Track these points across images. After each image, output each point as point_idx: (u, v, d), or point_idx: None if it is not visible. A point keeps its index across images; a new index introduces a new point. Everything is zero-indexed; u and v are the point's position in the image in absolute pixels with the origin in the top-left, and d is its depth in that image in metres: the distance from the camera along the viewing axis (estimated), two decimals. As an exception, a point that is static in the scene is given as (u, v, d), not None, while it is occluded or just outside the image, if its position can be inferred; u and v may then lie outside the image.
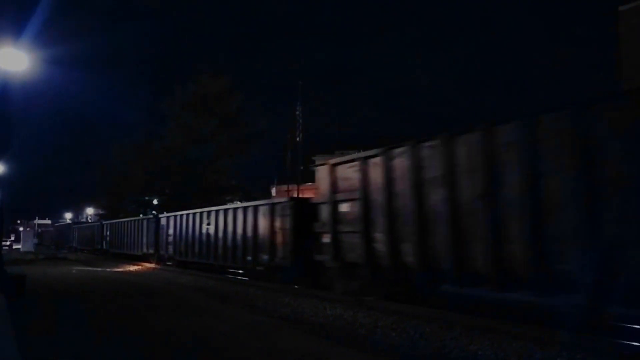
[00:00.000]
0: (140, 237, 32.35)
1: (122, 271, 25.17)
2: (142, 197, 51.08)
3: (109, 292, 15.48)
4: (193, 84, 47.34)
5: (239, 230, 19.02)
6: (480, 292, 10.43)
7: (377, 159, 11.29)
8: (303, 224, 14.78)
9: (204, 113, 46.23)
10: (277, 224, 16.55)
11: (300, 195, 16.84)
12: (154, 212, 36.20)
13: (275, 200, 18.10)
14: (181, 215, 25.56)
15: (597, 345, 7.09)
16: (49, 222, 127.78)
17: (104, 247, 43.03)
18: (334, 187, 12.58)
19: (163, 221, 28.44)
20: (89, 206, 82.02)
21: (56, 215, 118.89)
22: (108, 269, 26.36)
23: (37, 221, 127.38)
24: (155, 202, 50.18)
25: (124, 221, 37.51)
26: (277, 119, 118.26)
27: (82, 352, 7.42)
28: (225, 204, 32.99)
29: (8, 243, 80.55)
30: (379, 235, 11.03)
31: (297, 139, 53.83)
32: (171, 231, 26.68)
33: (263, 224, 17.43)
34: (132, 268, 27.11)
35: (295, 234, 15.34)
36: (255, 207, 18.25)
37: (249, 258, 18.15)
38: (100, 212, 65.55)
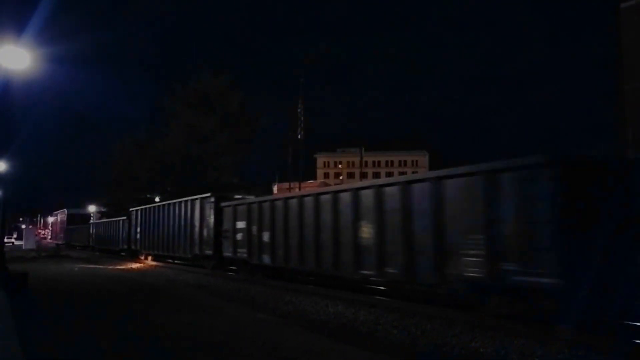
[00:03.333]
0: (118, 234, 35.73)
1: (123, 269, 25.21)
2: (143, 195, 51.08)
3: (111, 290, 15.52)
4: (194, 82, 47.35)
5: (182, 227, 23.65)
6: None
7: (255, 205, 17.44)
8: (220, 227, 19.76)
9: (205, 111, 46.19)
10: (205, 223, 21.25)
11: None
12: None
13: (206, 201, 21.83)
14: (144, 210, 29.67)
15: (598, 343, 7.11)
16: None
17: (91, 244, 46.53)
18: (235, 217, 18.87)
19: (133, 217, 31.64)
20: (91, 204, 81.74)
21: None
22: (110, 267, 26.41)
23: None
24: (157, 199, 50.26)
25: (106, 221, 41.38)
26: (278, 116, 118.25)
27: (83, 350, 7.44)
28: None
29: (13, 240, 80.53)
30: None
31: (299, 137, 53.94)
32: (139, 228, 30.20)
33: (198, 223, 21.98)
34: (134, 266, 27.16)
35: (216, 233, 20.13)
36: (193, 208, 22.53)
37: (188, 250, 23.06)
38: (102, 209, 65.53)
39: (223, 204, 20.04)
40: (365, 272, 11.93)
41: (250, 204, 17.86)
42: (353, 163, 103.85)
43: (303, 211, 14.42)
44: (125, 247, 33.23)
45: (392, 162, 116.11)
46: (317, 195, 14.05)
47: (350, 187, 12.85)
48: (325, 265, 13.51)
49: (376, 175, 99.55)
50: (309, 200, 14.26)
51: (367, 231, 11.84)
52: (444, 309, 10.17)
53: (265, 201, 16.91)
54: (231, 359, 6.81)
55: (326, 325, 9.39)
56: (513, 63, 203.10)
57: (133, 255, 31.38)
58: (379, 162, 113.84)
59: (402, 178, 11.18)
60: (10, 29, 13.93)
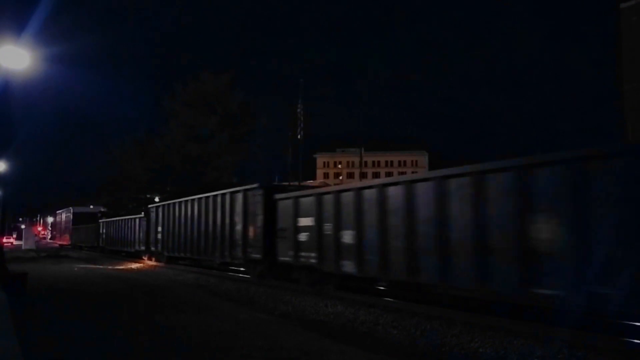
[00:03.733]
0: (133, 234, 32.83)
1: (123, 269, 25.18)
2: (143, 195, 51.12)
3: (110, 290, 15.50)
4: (194, 82, 47.41)
5: (219, 226, 19.71)
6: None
7: (329, 196, 13.66)
8: (272, 224, 16.16)
9: (204, 111, 46.27)
10: (250, 220, 17.50)
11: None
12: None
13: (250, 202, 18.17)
14: (166, 206, 25.98)
15: (598, 343, 7.10)
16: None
17: (100, 245, 44.13)
18: (296, 212, 15.17)
19: (153, 214, 28.21)
20: (91, 204, 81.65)
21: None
22: (110, 267, 26.38)
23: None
24: (156, 199, 50.31)
25: (119, 220, 38.00)
26: (278, 116, 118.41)
27: (83, 350, 7.44)
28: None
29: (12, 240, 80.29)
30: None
31: (299, 137, 53.93)
32: (160, 227, 26.84)
33: (241, 220, 18.11)
34: (134, 266, 27.13)
35: (265, 232, 16.42)
36: (233, 203, 18.75)
37: (227, 253, 19.15)
38: (102, 209, 65.55)
39: (278, 195, 16.15)
40: (546, 291, 8.07)
41: (321, 194, 14.11)
42: (353, 163, 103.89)
43: (413, 202, 10.75)
44: (143, 248, 30.16)
45: (392, 162, 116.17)
46: (442, 179, 10.15)
47: (509, 164, 8.85)
48: (459, 278, 9.64)
49: (376, 175, 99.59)
50: (424, 187, 10.56)
51: (547, 229, 8.17)
52: (444, 309, 10.15)
53: (345, 190, 13.15)
54: (230, 359, 6.80)
55: (326, 325, 9.38)
56: (513, 63, 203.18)
57: (151, 257, 29.12)
58: (378, 162, 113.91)
59: (634, 147, 7.41)
60: (10, 29, 13.93)
